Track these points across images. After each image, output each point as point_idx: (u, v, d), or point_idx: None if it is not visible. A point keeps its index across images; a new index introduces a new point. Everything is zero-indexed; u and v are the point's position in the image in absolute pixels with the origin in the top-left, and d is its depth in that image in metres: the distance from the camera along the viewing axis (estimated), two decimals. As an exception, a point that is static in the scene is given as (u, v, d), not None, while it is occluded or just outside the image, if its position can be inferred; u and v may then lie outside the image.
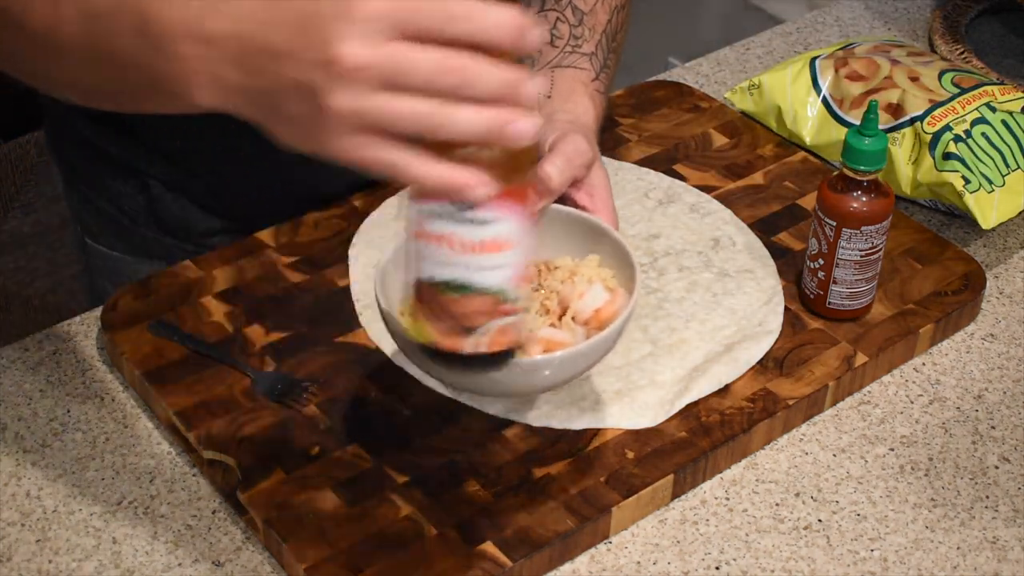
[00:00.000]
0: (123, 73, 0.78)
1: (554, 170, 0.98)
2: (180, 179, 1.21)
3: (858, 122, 1.26)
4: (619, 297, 0.96)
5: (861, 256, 1.06)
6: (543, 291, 0.96)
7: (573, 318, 0.95)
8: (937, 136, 1.20)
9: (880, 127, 1.16)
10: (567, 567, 0.94)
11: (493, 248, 0.74)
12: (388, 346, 1.06)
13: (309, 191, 1.22)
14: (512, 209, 0.73)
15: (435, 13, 0.68)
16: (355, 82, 0.68)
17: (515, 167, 0.72)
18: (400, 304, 0.91)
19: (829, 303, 1.09)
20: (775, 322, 1.09)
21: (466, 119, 0.68)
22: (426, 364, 0.90)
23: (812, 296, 1.09)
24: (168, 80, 0.75)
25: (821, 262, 1.07)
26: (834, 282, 1.07)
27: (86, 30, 0.76)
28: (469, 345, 0.78)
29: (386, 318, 0.90)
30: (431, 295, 0.77)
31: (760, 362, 1.06)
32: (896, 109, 1.24)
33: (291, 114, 0.71)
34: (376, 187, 1.21)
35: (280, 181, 1.20)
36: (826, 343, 1.08)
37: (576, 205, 1.02)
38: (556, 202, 1.01)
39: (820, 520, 0.98)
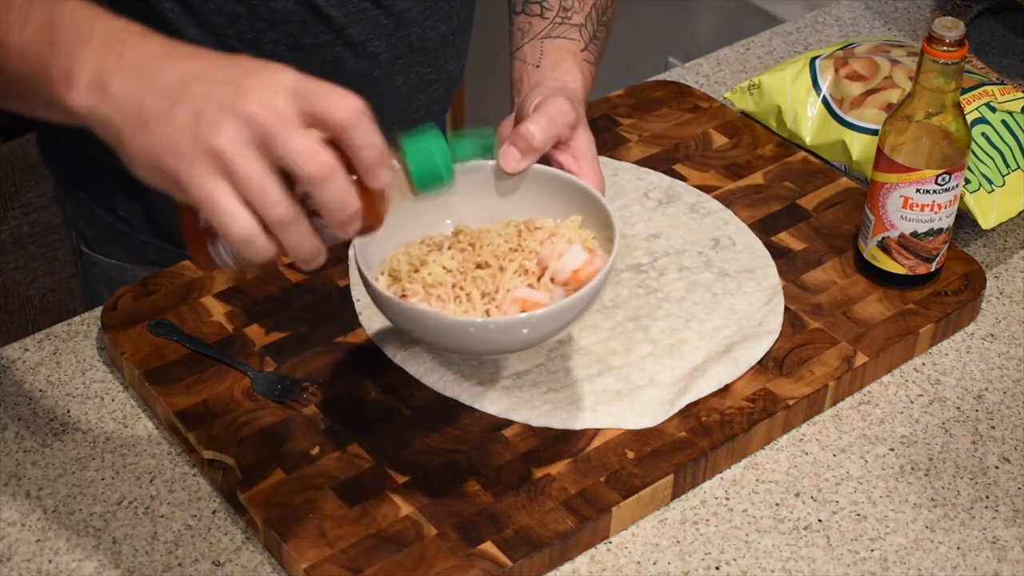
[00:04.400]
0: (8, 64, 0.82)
1: (536, 128, 0.99)
2: None
3: (858, 122, 1.26)
4: (598, 258, 0.96)
5: None
6: (522, 251, 0.96)
7: (552, 279, 0.95)
8: (937, 136, 1.20)
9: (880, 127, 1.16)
10: (567, 567, 0.94)
11: None
12: (388, 346, 1.06)
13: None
14: None
15: (293, 155, 0.76)
16: (224, 164, 0.76)
17: None
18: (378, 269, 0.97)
19: None
20: (775, 322, 1.09)
21: (298, 235, 0.78)
22: (407, 324, 0.92)
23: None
24: (48, 77, 0.79)
25: None
26: None
27: None
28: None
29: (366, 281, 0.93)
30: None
31: (760, 362, 1.06)
32: (896, 109, 1.24)
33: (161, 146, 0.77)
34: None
35: None
36: (826, 343, 1.08)
37: (561, 167, 1.02)
38: (543, 163, 1.02)
39: (820, 520, 0.98)
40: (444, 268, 0.95)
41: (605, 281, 0.92)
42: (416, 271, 0.95)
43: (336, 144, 0.78)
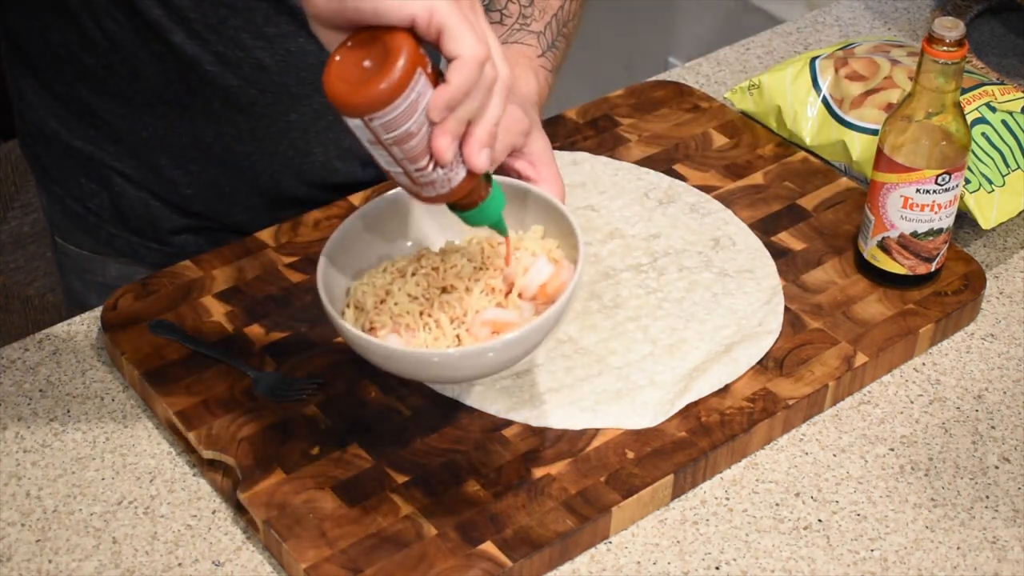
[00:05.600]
0: None
1: None
2: (143, 174, 1.22)
3: (858, 122, 1.26)
4: (564, 270, 0.95)
5: None
6: (487, 270, 0.95)
7: (519, 295, 0.94)
8: (937, 136, 1.20)
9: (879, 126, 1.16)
10: (567, 567, 0.94)
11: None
12: (388, 346, 1.06)
13: (271, 191, 1.23)
14: None
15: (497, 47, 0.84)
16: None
17: None
18: (344, 302, 0.96)
19: None
20: (775, 322, 1.09)
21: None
22: (373, 359, 0.91)
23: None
24: None
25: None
26: None
27: None
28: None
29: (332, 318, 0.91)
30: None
31: (760, 362, 1.06)
32: (896, 109, 1.24)
33: None
34: (352, 190, 1.21)
35: (242, 179, 1.21)
36: (826, 343, 1.08)
37: (519, 175, 1.01)
38: (498, 174, 1.00)
39: (820, 520, 0.98)
40: (409, 296, 0.94)
41: (572, 297, 0.91)
42: (382, 302, 0.94)
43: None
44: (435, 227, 1.01)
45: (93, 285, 1.30)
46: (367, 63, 0.80)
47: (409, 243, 1.00)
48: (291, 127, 1.18)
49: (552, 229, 0.98)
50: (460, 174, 0.85)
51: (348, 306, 0.96)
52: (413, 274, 0.95)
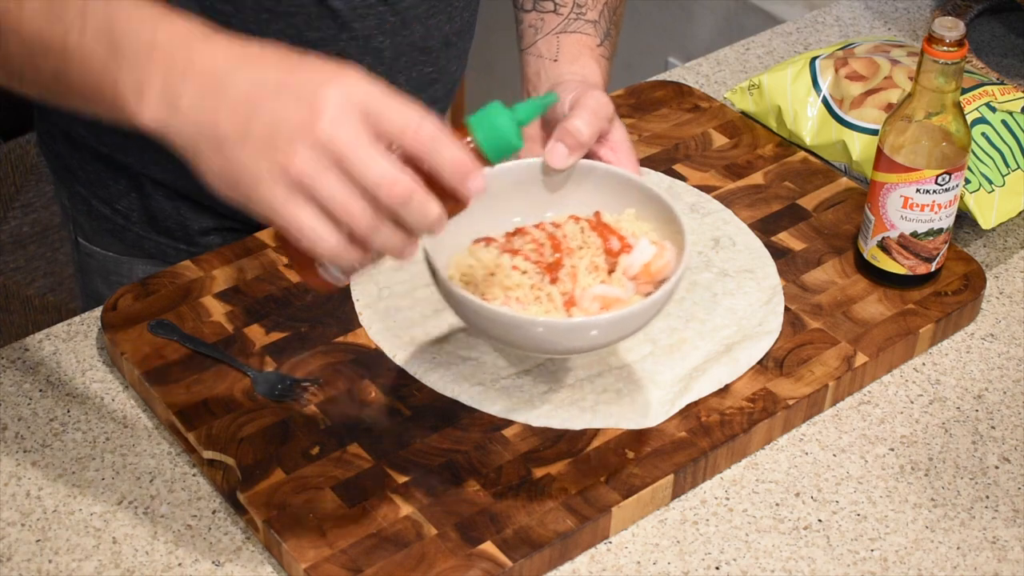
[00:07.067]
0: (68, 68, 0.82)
1: (582, 123, 0.99)
2: (172, 176, 1.22)
3: (858, 122, 1.26)
4: (666, 251, 0.96)
5: None
6: (590, 248, 0.96)
7: (623, 274, 0.95)
8: (937, 136, 1.20)
9: (880, 127, 1.16)
10: (567, 567, 0.94)
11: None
12: (388, 346, 1.06)
13: None
14: None
15: (370, 184, 0.77)
16: (303, 187, 0.77)
17: None
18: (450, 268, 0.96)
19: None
20: (775, 322, 1.09)
21: (386, 237, 0.80)
22: (482, 321, 0.92)
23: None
24: (117, 90, 0.80)
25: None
26: None
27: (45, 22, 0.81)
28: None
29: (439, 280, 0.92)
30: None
31: (760, 362, 1.06)
32: (896, 109, 1.24)
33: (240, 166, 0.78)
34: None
35: None
36: (826, 343, 1.08)
37: (601, 160, 1.02)
38: (585, 159, 1.01)
39: (820, 520, 0.98)
40: (520, 271, 0.94)
41: (680, 281, 0.92)
42: (492, 275, 0.95)
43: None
44: (525, 207, 1.01)
45: (118, 287, 1.29)
46: None
47: (517, 219, 1.00)
48: None
49: (643, 212, 0.99)
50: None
51: (452, 278, 0.96)
52: (519, 249, 0.96)
